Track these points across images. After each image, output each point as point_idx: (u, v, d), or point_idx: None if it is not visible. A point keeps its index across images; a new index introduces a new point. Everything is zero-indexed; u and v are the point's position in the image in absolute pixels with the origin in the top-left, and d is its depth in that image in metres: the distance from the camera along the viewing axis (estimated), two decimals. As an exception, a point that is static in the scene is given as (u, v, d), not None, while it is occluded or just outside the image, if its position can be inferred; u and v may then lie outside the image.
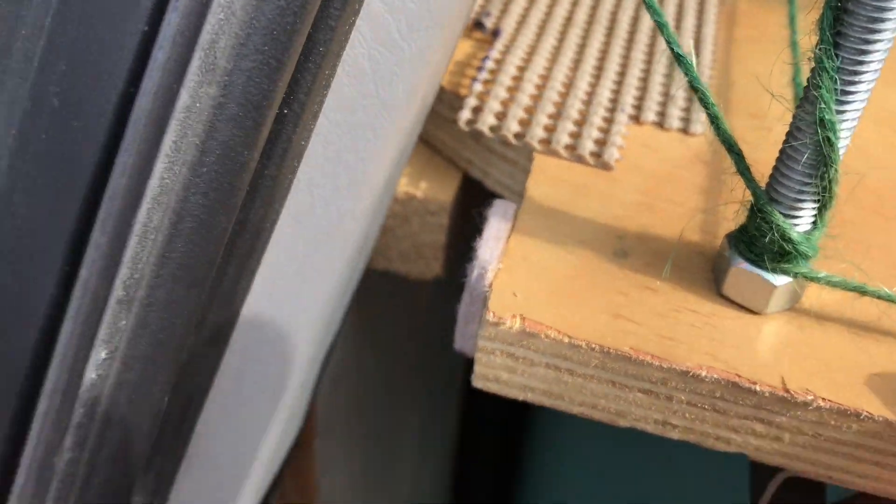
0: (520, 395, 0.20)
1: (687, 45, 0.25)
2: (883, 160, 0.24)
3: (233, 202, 0.15)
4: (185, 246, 0.15)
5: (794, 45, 0.26)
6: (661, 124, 0.24)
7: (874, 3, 0.16)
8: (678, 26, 0.28)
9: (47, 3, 0.14)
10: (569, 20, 0.28)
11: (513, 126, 0.23)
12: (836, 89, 0.16)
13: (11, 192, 0.15)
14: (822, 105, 0.16)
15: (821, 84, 0.16)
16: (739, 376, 0.18)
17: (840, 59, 0.16)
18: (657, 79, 0.25)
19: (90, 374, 0.15)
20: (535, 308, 0.19)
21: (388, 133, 0.19)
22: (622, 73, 0.26)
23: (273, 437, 0.21)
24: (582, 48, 0.26)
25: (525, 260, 0.20)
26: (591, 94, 0.25)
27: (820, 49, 0.16)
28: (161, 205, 0.14)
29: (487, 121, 0.23)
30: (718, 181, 0.23)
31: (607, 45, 0.27)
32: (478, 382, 0.20)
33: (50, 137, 0.14)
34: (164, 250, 0.14)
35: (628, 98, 0.24)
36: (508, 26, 0.27)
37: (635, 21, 0.28)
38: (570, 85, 0.25)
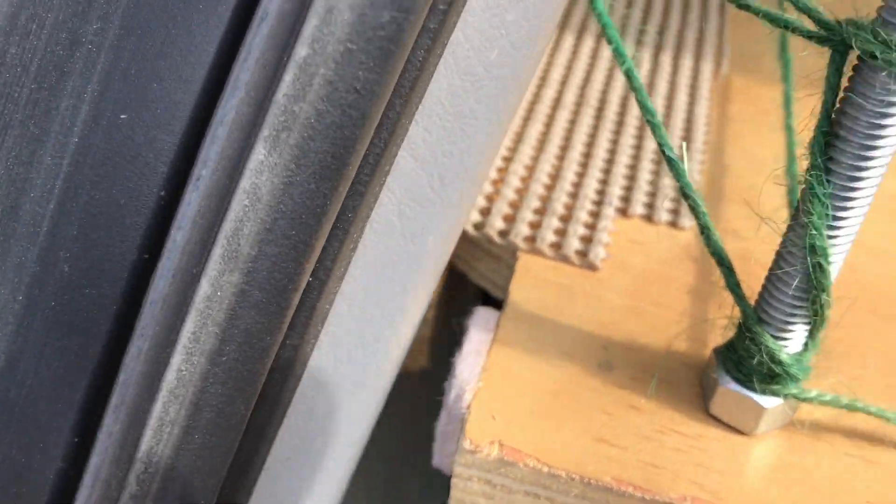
0: (498, 521, 0.19)
1: (679, 146, 0.25)
2: (885, 255, 0.24)
3: (253, 388, 0.14)
4: (203, 437, 0.14)
5: (788, 128, 0.26)
6: (649, 217, 0.23)
7: (866, 131, 0.15)
8: (670, 105, 0.27)
9: (58, 165, 0.13)
10: (557, 101, 0.27)
11: (497, 223, 0.22)
12: (827, 215, 0.16)
13: (18, 360, 0.14)
14: (813, 232, 0.16)
15: (812, 210, 0.16)
16: (726, 508, 0.17)
17: (832, 185, 0.15)
18: (646, 166, 0.25)
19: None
20: (514, 432, 0.18)
21: (417, 283, 0.18)
22: (610, 161, 0.25)
23: None
24: (570, 133, 0.26)
25: (505, 375, 0.19)
26: (577, 186, 0.24)
27: (811, 175, 0.15)
28: (178, 397, 0.13)
29: (472, 218, 0.23)
30: (708, 282, 0.22)
31: (595, 128, 0.26)
32: (455, 505, 0.19)
33: (59, 305, 0.13)
34: (180, 442, 0.13)
35: (616, 189, 0.24)
36: (494, 110, 0.26)
37: (625, 102, 0.27)
38: (556, 176, 0.24)
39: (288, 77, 0.11)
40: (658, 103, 0.27)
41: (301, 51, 0.11)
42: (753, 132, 0.27)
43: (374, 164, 0.15)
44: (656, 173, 0.25)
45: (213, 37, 0.12)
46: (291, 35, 0.11)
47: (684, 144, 0.25)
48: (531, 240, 0.22)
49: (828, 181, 0.15)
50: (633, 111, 0.27)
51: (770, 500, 0.17)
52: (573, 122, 0.26)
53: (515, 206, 0.23)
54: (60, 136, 0.13)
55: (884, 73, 0.14)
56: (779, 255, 0.17)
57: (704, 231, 0.18)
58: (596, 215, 0.23)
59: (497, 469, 0.18)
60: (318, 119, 0.12)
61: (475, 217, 0.23)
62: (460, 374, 0.19)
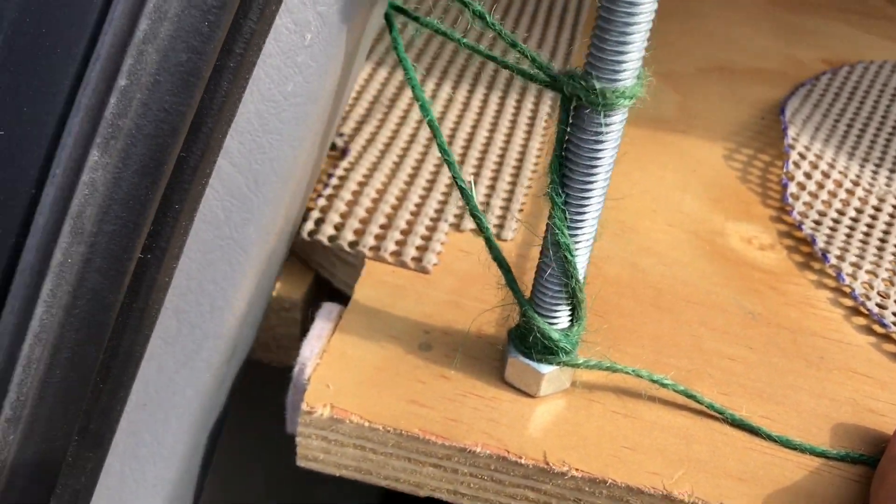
0: (336, 472, 0.23)
1: (469, 181, 0.29)
2: (667, 257, 0.29)
3: (102, 335, 0.18)
4: (63, 372, 0.18)
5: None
6: (477, 231, 0.28)
7: (586, 154, 0.20)
8: (509, 139, 0.33)
9: None
10: (413, 138, 0.32)
11: (348, 236, 0.27)
12: (566, 218, 0.21)
13: None
14: (556, 231, 0.21)
15: (554, 215, 0.21)
16: (508, 451, 0.22)
17: (566, 195, 0.20)
18: (482, 190, 0.30)
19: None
20: (344, 397, 0.22)
21: (244, 264, 0.22)
22: (450, 186, 0.30)
23: None
24: (420, 164, 0.30)
25: (342, 355, 0.23)
26: (420, 207, 0.29)
27: (550, 188, 0.20)
28: (41, 341, 0.17)
29: (326, 231, 0.27)
30: (521, 281, 0.27)
31: (463, 158, 0.31)
32: (301, 462, 0.23)
33: None
34: (45, 377, 0.17)
35: (452, 209, 0.29)
36: (357, 145, 0.31)
37: (470, 139, 0.32)
38: (403, 198, 0.29)
39: (113, 100, 0.16)
40: (499, 138, 0.32)
41: (122, 81, 0.16)
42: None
43: (195, 166, 0.19)
44: (489, 195, 0.30)
45: (67, 72, 0.16)
46: (116, 70, 0.16)
47: (472, 179, 0.30)
48: (376, 249, 0.27)
49: (564, 192, 0.20)
50: (477, 147, 0.32)
51: (546, 446, 0.22)
52: (425, 154, 0.31)
53: (365, 222, 0.28)
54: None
55: (588, 111, 0.19)
56: (540, 252, 0.22)
57: (487, 242, 0.23)
58: (433, 230, 0.28)
59: (329, 426, 0.22)
60: (138, 130, 0.16)
61: (330, 231, 0.27)
62: (303, 353, 0.23)
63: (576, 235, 0.21)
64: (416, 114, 0.33)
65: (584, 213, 0.21)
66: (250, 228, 0.22)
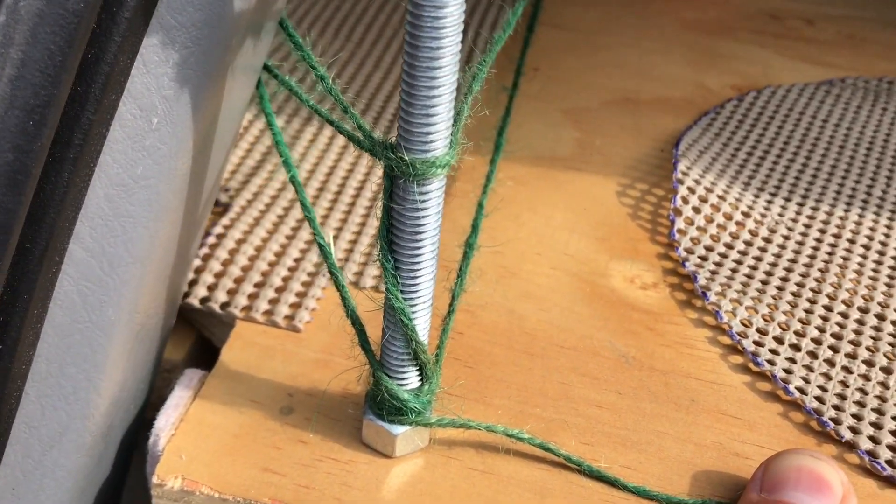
0: (195, 541, 0.23)
1: (328, 235, 0.30)
2: (546, 302, 0.29)
3: None
4: None
5: (479, 206, 0.31)
6: (356, 284, 0.28)
7: (409, 222, 0.20)
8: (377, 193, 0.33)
9: None
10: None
11: (220, 297, 0.27)
12: (397, 283, 0.21)
13: None
14: (390, 296, 0.21)
15: (387, 280, 0.21)
16: (357, 516, 0.22)
17: (395, 261, 0.21)
18: (364, 240, 0.30)
19: None
20: (197, 467, 0.22)
21: (105, 345, 0.22)
22: (334, 240, 0.30)
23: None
24: (302, 219, 0.31)
25: (200, 423, 0.23)
26: (298, 262, 0.29)
27: (380, 254, 0.20)
28: None
29: (199, 293, 0.27)
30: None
31: (327, 217, 0.31)
32: (160, 535, 0.23)
33: None
34: None
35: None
36: (242, 199, 0.31)
37: (339, 191, 0.32)
38: (281, 254, 0.29)
39: None
40: (368, 192, 0.32)
41: None
42: (464, 207, 0.33)
43: (40, 256, 0.19)
44: (372, 245, 0.30)
45: None
46: None
47: (331, 235, 0.30)
48: (248, 308, 0.27)
49: (392, 258, 0.20)
50: (345, 200, 0.32)
51: (400, 508, 0.22)
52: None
53: (239, 280, 0.28)
54: None
55: (402, 181, 0.19)
56: (383, 315, 0.22)
57: (343, 300, 0.23)
58: (309, 285, 0.28)
59: (181, 497, 0.22)
60: None
61: (203, 292, 0.27)
62: (157, 424, 0.23)
63: (410, 299, 0.21)
64: (301, 168, 0.33)
65: (417, 277, 0.21)
66: (109, 310, 0.22)
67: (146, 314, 0.23)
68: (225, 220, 0.30)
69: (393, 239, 0.20)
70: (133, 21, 0.19)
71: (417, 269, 0.21)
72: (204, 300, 0.27)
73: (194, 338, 0.29)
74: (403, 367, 0.22)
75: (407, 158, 0.19)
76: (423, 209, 0.20)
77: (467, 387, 0.25)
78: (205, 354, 0.29)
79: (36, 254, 0.18)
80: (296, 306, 0.27)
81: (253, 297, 0.27)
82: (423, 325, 0.22)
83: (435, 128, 0.19)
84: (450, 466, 0.23)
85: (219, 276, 0.28)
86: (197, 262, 0.28)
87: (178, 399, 0.24)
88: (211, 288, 0.27)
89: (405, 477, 0.23)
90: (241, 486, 0.22)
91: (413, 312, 0.21)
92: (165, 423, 0.23)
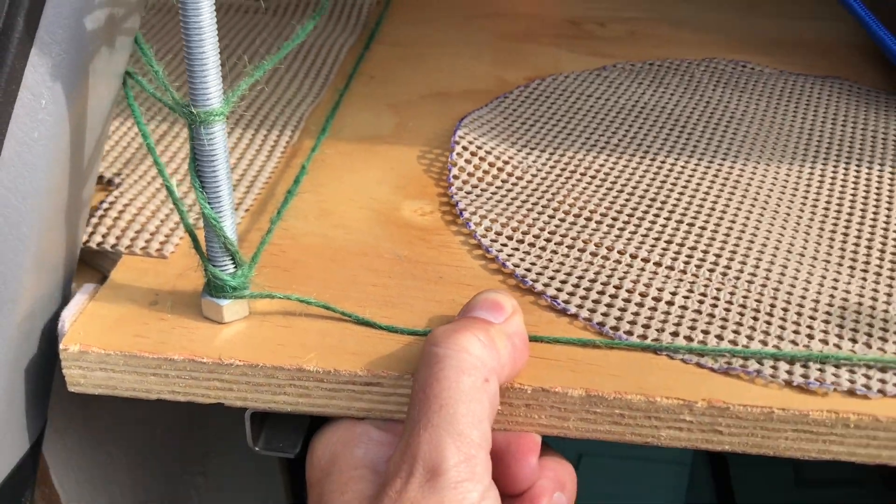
0: (94, 391, 0.34)
1: (184, 188, 0.41)
2: (352, 229, 0.40)
3: None
4: None
5: (302, 168, 0.43)
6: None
7: (207, 156, 0.31)
8: (251, 164, 0.44)
9: None
10: (175, 171, 0.43)
11: (110, 241, 0.38)
12: (204, 199, 0.32)
13: None
14: (202, 204, 0.32)
15: (199, 197, 0.32)
16: (195, 355, 0.33)
17: (201, 181, 0.32)
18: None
19: None
20: (89, 338, 0.33)
21: (22, 253, 0.33)
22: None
23: None
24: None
25: (94, 314, 0.35)
26: (168, 215, 0.40)
27: (192, 180, 0.32)
28: None
29: (96, 240, 0.38)
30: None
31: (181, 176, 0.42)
32: (70, 388, 0.34)
33: None
34: None
35: (191, 216, 0.40)
36: (130, 179, 0.42)
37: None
38: (156, 211, 0.40)
39: None
40: (246, 160, 0.44)
41: None
42: (295, 171, 0.44)
43: None
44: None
45: None
46: None
47: (176, 181, 0.41)
48: (130, 246, 0.38)
49: (200, 180, 0.32)
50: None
51: (221, 350, 0.33)
52: (182, 180, 0.43)
53: (124, 229, 0.39)
54: None
55: (195, 126, 0.31)
56: (203, 221, 0.33)
57: (180, 215, 0.34)
58: (174, 229, 0.39)
59: (80, 358, 0.33)
60: None
61: (99, 239, 0.38)
62: (63, 314, 0.34)
63: (216, 206, 0.32)
64: (180, 152, 0.45)
65: (217, 191, 0.32)
66: (23, 228, 0.33)
67: (50, 240, 0.34)
68: (116, 192, 0.41)
69: (197, 166, 0.32)
70: (23, 39, 0.30)
71: (216, 186, 0.32)
72: (99, 243, 0.38)
73: (98, 277, 0.40)
74: (220, 256, 0.33)
75: (195, 111, 0.30)
76: (210, 144, 0.31)
77: (282, 282, 0.36)
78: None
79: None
80: (164, 242, 0.38)
81: (134, 238, 0.38)
82: (228, 225, 0.33)
83: (211, 89, 0.30)
84: (262, 325, 0.34)
85: (110, 227, 0.39)
86: (94, 220, 0.39)
87: (79, 300, 0.35)
88: (104, 235, 0.39)
89: (230, 333, 0.34)
90: (119, 345, 0.33)
91: (219, 216, 0.32)
92: (67, 315, 0.34)
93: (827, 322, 0.35)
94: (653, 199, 0.42)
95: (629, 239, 0.39)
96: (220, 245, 0.33)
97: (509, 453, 0.32)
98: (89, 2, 0.32)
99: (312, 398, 0.33)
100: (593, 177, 0.44)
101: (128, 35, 0.35)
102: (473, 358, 0.30)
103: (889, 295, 0.36)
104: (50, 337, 0.36)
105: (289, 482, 0.78)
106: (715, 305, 0.36)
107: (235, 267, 0.34)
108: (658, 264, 0.38)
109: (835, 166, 0.46)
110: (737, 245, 0.39)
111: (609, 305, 0.35)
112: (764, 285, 0.37)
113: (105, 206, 0.40)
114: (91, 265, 0.40)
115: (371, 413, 0.33)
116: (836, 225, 0.41)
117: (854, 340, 0.34)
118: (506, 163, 0.45)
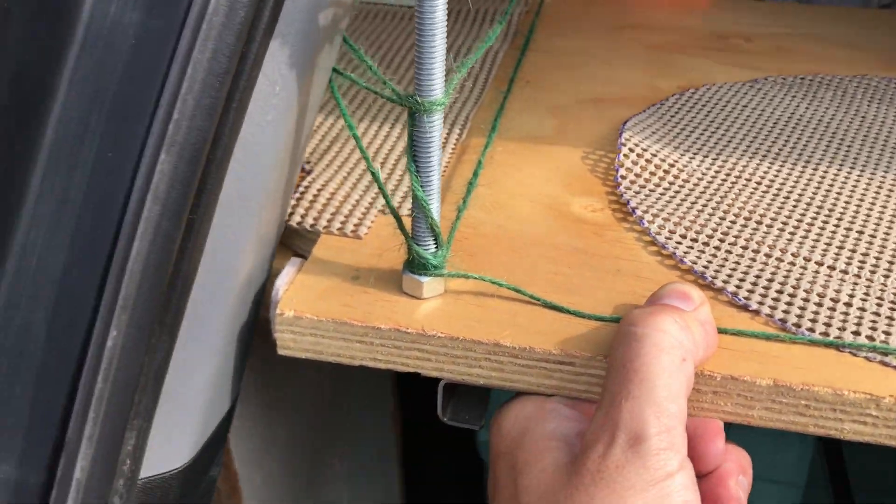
0: (301, 355, 0.37)
1: (386, 173, 0.44)
2: (525, 221, 0.42)
3: (170, 259, 0.32)
4: (149, 282, 0.32)
5: (479, 163, 0.45)
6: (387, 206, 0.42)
7: (421, 145, 0.34)
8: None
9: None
10: (358, 161, 0.46)
11: (309, 221, 0.41)
12: (418, 182, 0.35)
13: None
14: (414, 188, 0.35)
15: (412, 179, 0.35)
16: (400, 325, 0.35)
17: (416, 166, 0.35)
18: (406, 181, 0.44)
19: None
20: (301, 306, 0.36)
21: (248, 227, 0.36)
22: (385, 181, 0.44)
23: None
24: (361, 175, 0.45)
25: (302, 285, 0.38)
26: (359, 200, 0.43)
27: (408, 163, 0.35)
28: (139, 260, 0.32)
29: (295, 220, 0.42)
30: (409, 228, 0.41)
31: (382, 164, 0.45)
32: (280, 351, 0.37)
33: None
34: (139, 283, 0.32)
35: (380, 200, 0.43)
36: (319, 167, 0.46)
37: (390, 151, 0.47)
38: (348, 195, 0.43)
39: (171, 126, 0.31)
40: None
41: (175, 115, 0.31)
42: (468, 168, 0.47)
43: (218, 164, 0.33)
44: (400, 187, 0.44)
45: (146, 112, 0.31)
46: (171, 110, 0.31)
47: (379, 165, 0.44)
48: (328, 227, 0.41)
49: (414, 164, 0.35)
50: (393, 158, 0.46)
51: (423, 321, 0.35)
52: (365, 170, 0.46)
53: (321, 211, 0.42)
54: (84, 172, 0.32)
55: (417, 114, 0.34)
56: (412, 202, 0.36)
57: (384, 197, 0.37)
58: (366, 212, 0.42)
59: (293, 322, 0.36)
60: (185, 141, 0.31)
61: (298, 219, 0.42)
62: (276, 283, 0.37)
63: (426, 190, 0.35)
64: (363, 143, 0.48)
65: (429, 175, 0.35)
66: (252, 201, 0.36)
67: (269, 216, 0.37)
68: (310, 177, 0.45)
69: (414, 152, 0.35)
70: (265, 30, 0.34)
71: (429, 171, 0.35)
72: (299, 222, 0.41)
73: (291, 255, 0.43)
74: (425, 237, 0.36)
75: (419, 100, 0.33)
76: (430, 131, 0.34)
77: (469, 267, 0.39)
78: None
79: (214, 163, 0.33)
80: (358, 224, 0.41)
81: (330, 219, 0.41)
82: (435, 207, 0.36)
83: (435, 81, 0.33)
84: (457, 303, 0.37)
85: (308, 209, 0.42)
86: (293, 202, 0.43)
87: (288, 272, 0.38)
88: (303, 216, 0.42)
89: (428, 308, 0.36)
90: (329, 313, 0.36)
91: (428, 198, 0.35)
92: (281, 283, 0.37)
93: None
94: (820, 206, 0.43)
95: (801, 243, 0.40)
96: (426, 225, 0.36)
97: (697, 436, 0.33)
98: (321, 2, 0.36)
99: (505, 373, 0.35)
100: (759, 183, 0.45)
101: (339, 34, 0.38)
102: (671, 338, 0.31)
103: None
104: (257, 305, 0.39)
105: (403, 476, 0.81)
106: (893, 309, 0.36)
107: (437, 247, 0.36)
108: (832, 268, 0.39)
109: None
110: (908, 254, 0.40)
111: (789, 304, 0.37)
112: (939, 293, 0.38)
113: (301, 189, 0.44)
114: (284, 243, 0.43)
115: (560, 391, 0.35)
116: None
117: None
118: (671, 165, 0.46)
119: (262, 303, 0.40)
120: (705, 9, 0.70)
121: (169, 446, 0.37)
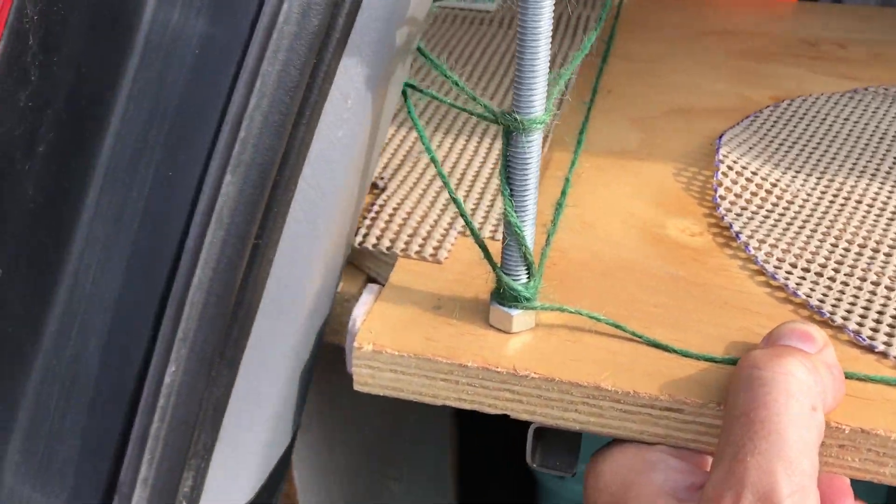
0: (380, 392, 0.34)
1: (462, 195, 0.41)
2: (617, 245, 0.39)
3: (233, 287, 0.30)
4: (210, 312, 0.30)
5: (566, 180, 0.42)
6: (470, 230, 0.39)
7: (518, 166, 0.31)
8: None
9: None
10: (433, 179, 0.44)
11: (385, 243, 0.39)
12: (511, 206, 0.32)
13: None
14: (508, 214, 0.32)
15: (505, 204, 0.32)
16: (489, 364, 0.32)
17: (511, 189, 0.32)
18: (486, 200, 0.41)
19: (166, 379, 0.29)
20: (381, 339, 0.34)
21: (316, 248, 0.33)
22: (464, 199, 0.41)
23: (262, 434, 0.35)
24: (438, 194, 0.42)
25: (380, 315, 0.35)
26: (437, 221, 0.40)
27: (502, 186, 0.32)
28: (200, 289, 0.29)
29: (371, 241, 0.39)
30: (497, 257, 0.38)
31: (459, 183, 0.43)
32: (356, 387, 0.34)
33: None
34: (200, 316, 0.30)
35: (460, 222, 0.40)
36: (394, 184, 0.43)
37: (465, 169, 0.44)
38: (425, 216, 0.40)
39: (238, 146, 0.28)
40: (486, 170, 0.44)
41: (241, 134, 0.28)
42: (554, 185, 0.43)
43: (285, 185, 0.31)
44: (482, 207, 0.41)
45: (210, 132, 0.29)
46: (237, 128, 0.28)
47: (464, 195, 0.41)
48: (405, 250, 0.38)
49: (509, 188, 0.32)
50: (469, 176, 0.43)
51: (515, 360, 0.32)
52: (441, 188, 0.43)
53: (397, 233, 0.39)
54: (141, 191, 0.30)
55: (514, 133, 0.31)
56: (503, 228, 0.33)
57: (470, 229, 0.34)
58: (445, 235, 0.39)
59: (372, 357, 0.33)
60: (252, 161, 0.28)
61: (373, 241, 0.39)
62: (354, 313, 0.34)
63: (520, 216, 0.32)
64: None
65: (524, 200, 0.32)
66: (319, 224, 0.33)
67: (337, 239, 0.35)
68: (383, 196, 0.42)
69: (508, 174, 0.32)
70: (339, 41, 0.31)
71: (525, 195, 0.32)
72: (374, 245, 0.39)
73: (363, 278, 0.40)
74: (517, 266, 0.33)
75: (518, 118, 0.30)
76: (528, 152, 0.31)
77: (560, 295, 0.35)
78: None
79: (282, 184, 0.31)
80: (437, 248, 0.38)
81: (408, 242, 0.39)
82: (529, 235, 0.33)
83: (536, 97, 0.30)
84: (550, 338, 0.34)
85: (383, 230, 0.40)
86: (367, 223, 0.40)
87: (365, 300, 0.35)
88: (378, 238, 0.39)
89: (519, 344, 0.33)
90: (411, 348, 0.33)
91: (522, 225, 0.32)
92: (359, 313, 0.34)
93: None
94: (943, 233, 0.39)
95: (927, 274, 0.37)
96: (519, 254, 0.33)
97: (822, 495, 0.30)
98: (396, 12, 0.33)
99: (605, 418, 0.32)
100: (870, 205, 0.41)
101: (413, 48, 0.36)
102: (800, 383, 0.28)
103: None
104: (321, 333, 0.36)
105: (458, 494, 0.78)
106: None
107: (529, 277, 0.33)
108: (965, 304, 0.35)
109: None
110: None
111: (921, 345, 0.33)
112: None
113: (376, 208, 0.41)
114: (356, 265, 0.41)
115: (666, 439, 0.32)
116: None
117: None
118: (773, 185, 0.43)
119: (326, 330, 0.37)
120: (792, 13, 0.66)
121: (228, 485, 0.34)
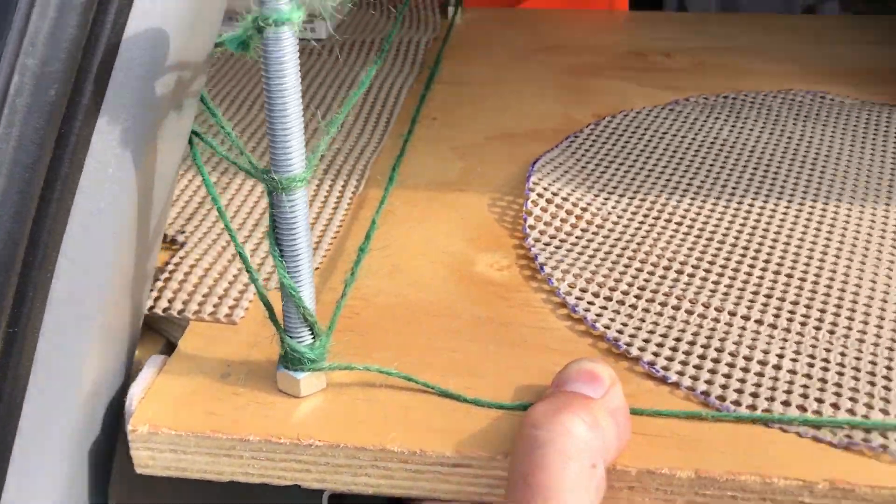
0: (163, 473, 0.32)
1: (250, 247, 0.39)
2: (425, 287, 0.38)
3: None
4: None
5: (373, 222, 0.41)
6: (267, 284, 0.38)
7: (287, 222, 0.30)
8: (320, 213, 0.42)
9: None
10: (240, 227, 0.42)
11: (177, 306, 0.37)
12: (283, 267, 0.30)
13: None
14: (281, 274, 0.30)
15: (277, 265, 0.30)
16: (271, 436, 0.31)
17: (280, 250, 0.30)
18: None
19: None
20: (159, 417, 0.31)
21: (86, 331, 0.31)
22: (264, 258, 0.39)
23: None
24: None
25: (163, 389, 0.33)
26: (236, 277, 0.38)
27: (270, 248, 0.30)
28: None
29: (162, 305, 0.37)
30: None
31: (249, 236, 0.41)
32: (138, 469, 0.32)
33: None
34: None
35: (262, 275, 0.38)
36: (195, 238, 0.41)
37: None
38: (224, 272, 0.38)
39: None
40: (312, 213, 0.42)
41: None
42: (363, 227, 0.42)
43: (40, 266, 0.29)
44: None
45: None
46: None
47: (249, 248, 0.39)
48: (198, 312, 0.36)
49: (279, 249, 0.30)
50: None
51: (299, 429, 0.31)
52: (246, 238, 0.41)
53: (191, 293, 0.37)
54: None
55: (275, 193, 0.29)
56: (280, 291, 0.31)
57: (254, 285, 0.32)
58: (243, 292, 0.37)
59: (149, 439, 0.31)
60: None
61: (165, 304, 0.37)
62: (130, 392, 0.32)
63: (295, 277, 0.30)
64: (244, 208, 0.43)
65: (297, 261, 0.30)
66: (88, 302, 0.31)
67: (115, 312, 0.32)
68: (182, 252, 0.40)
69: (277, 236, 0.30)
70: (90, 106, 0.29)
71: (296, 255, 0.30)
72: (165, 309, 0.37)
73: (162, 344, 0.38)
74: (298, 328, 0.31)
75: (276, 177, 0.29)
76: (291, 211, 0.29)
77: (358, 349, 0.34)
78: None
79: (35, 265, 0.28)
80: (234, 306, 0.36)
81: (202, 303, 0.37)
82: (307, 295, 0.31)
83: (293, 155, 0.28)
84: (341, 399, 0.32)
85: (176, 291, 0.37)
86: (160, 284, 0.38)
87: (146, 374, 0.33)
88: (170, 300, 0.37)
89: (308, 409, 0.32)
90: (191, 425, 0.31)
91: (298, 286, 0.30)
92: (135, 392, 0.32)
93: (954, 388, 0.32)
94: (745, 249, 0.40)
95: (725, 294, 0.37)
96: (298, 316, 0.31)
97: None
98: (158, 64, 0.31)
99: (395, 480, 0.31)
100: (679, 224, 0.41)
101: (194, 96, 0.34)
102: (578, 441, 0.27)
103: None
104: (113, 414, 0.34)
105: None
106: (826, 369, 0.33)
107: (314, 338, 0.32)
108: (759, 322, 0.35)
109: (938, 206, 0.42)
110: (841, 299, 0.36)
111: (712, 371, 0.33)
112: (876, 344, 0.34)
113: (170, 267, 0.39)
114: (155, 330, 0.38)
115: (458, 496, 0.30)
116: (948, 274, 0.38)
117: None
118: (584, 210, 0.42)
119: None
120: (623, 24, 0.66)
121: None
